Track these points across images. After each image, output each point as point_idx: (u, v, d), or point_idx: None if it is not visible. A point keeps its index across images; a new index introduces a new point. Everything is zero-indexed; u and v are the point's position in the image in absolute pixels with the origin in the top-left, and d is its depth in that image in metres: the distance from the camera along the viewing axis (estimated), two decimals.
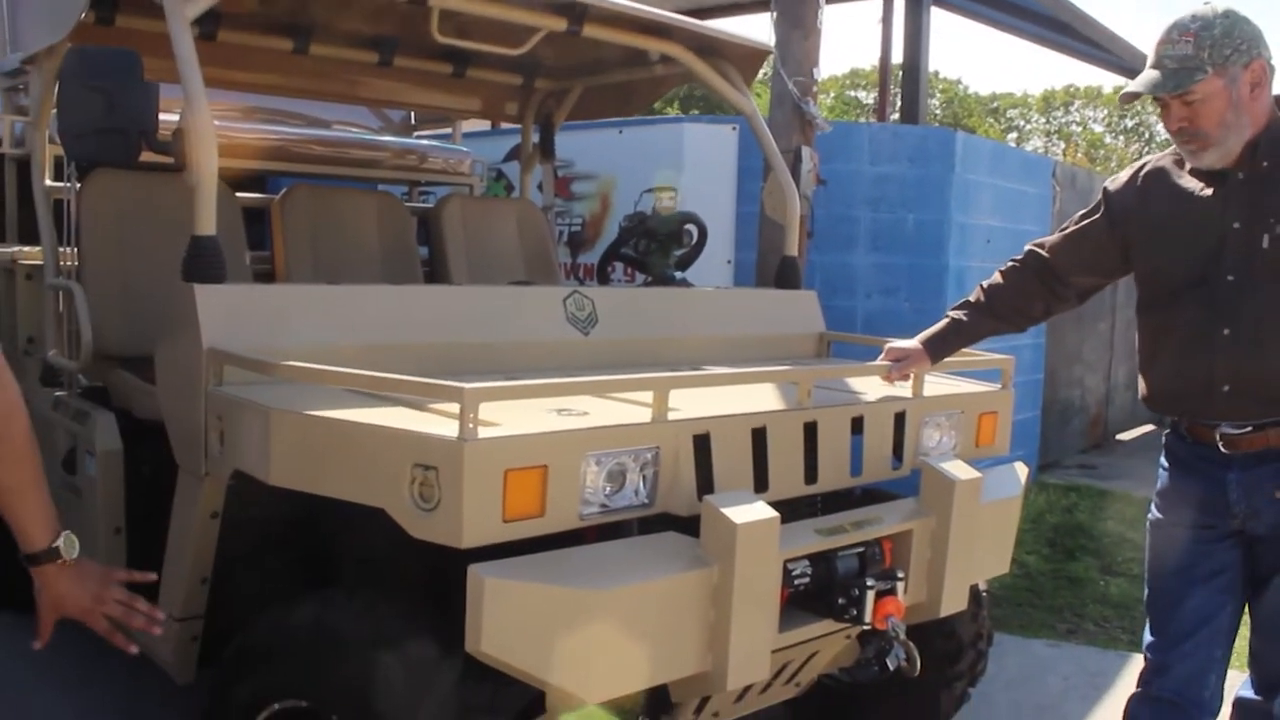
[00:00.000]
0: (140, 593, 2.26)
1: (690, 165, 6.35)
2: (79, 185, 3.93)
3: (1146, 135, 47.89)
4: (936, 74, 40.85)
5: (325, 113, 5.84)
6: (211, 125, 2.80)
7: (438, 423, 2.19)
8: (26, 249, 4.58)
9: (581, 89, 4.99)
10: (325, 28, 4.25)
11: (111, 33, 3.79)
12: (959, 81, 43.82)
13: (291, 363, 2.43)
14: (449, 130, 6.32)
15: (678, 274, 4.41)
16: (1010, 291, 3.07)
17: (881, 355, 3.14)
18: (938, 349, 3.10)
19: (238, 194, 4.40)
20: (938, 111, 42.52)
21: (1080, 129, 48.75)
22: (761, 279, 5.54)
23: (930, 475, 2.98)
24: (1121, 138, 48.23)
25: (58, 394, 3.91)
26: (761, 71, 4.72)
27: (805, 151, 4.40)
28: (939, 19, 9.65)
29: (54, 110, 3.67)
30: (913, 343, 3.11)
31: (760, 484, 2.64)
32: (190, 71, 2.84)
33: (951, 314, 3.13)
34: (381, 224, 4.62)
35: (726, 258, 6.35)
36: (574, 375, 3.03)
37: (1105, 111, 48.02)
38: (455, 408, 2.11)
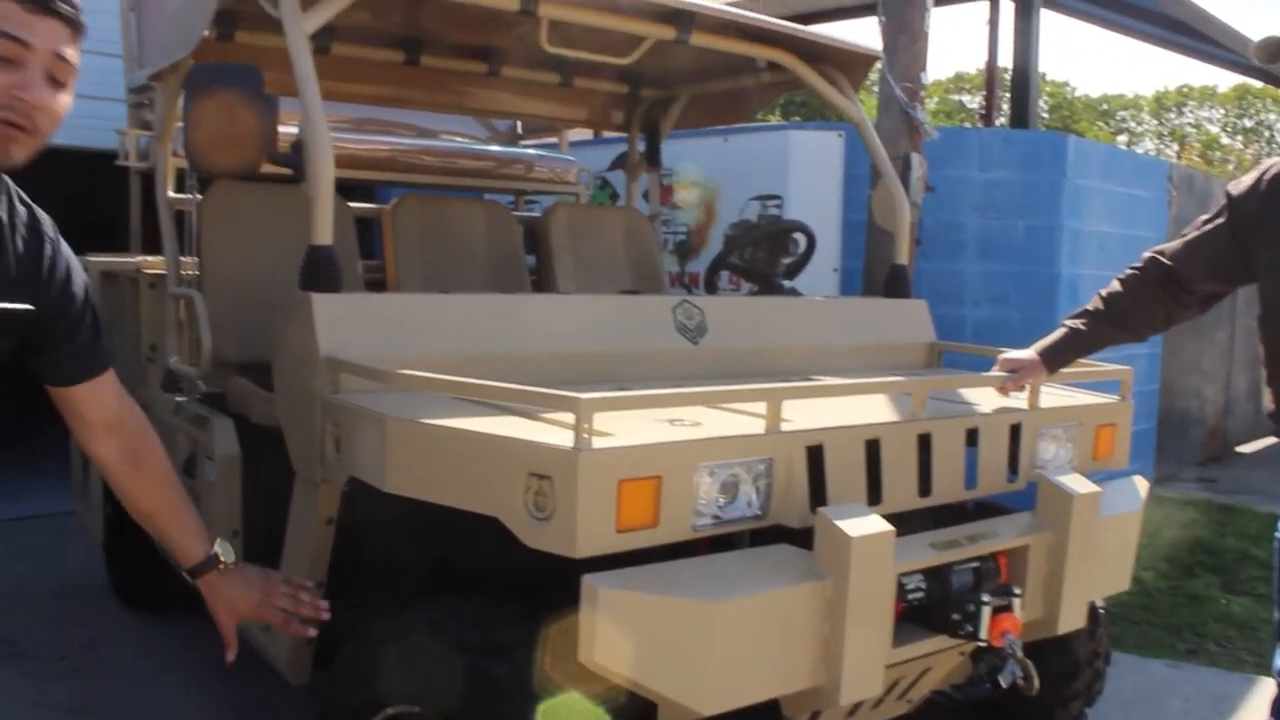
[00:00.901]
0: None
1: (796, 172, 6.30)
2: (200, 196, 4.04)
3: (1266, 135, 46.41)
4: (1043, 76, 40.09)
5: (433, 123, 5.92)
6: (329, 137, 2.85)
7: (552, 432, 2.20)
8: (150, 259, 4.72)
9: (687, 97, 4.98)
10: (435, 39, 4.31)
11: (231, 48, 3.89)
12: (1066, 84, 42.84)
13: (406, 371, 2.46)
14: (555, 140, 6.35)
15: (786, 283, 4.38)
16: (1130, 299, 2.98)
17: (995, 366, 3.07)
18: (1054, 359, 3.02)
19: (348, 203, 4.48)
20: (1045, 115, 41.70)
21: (1195, 130, 47.38)
22: (869, 287, 5.48)
23: (1048, 489, 2.91)
24: (1239, 138, 46.76)
25: (178, 400, 4.01)
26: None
27: (914, 158, 4.32)
28: (1048, 20, 9.43)
29: (179, 124, 3.80)
30: (1028, 353, 3.03)
31: (873, 496, 2.60)
32: (308, 85, 2.90)
33: (1068, 323, 3.05)
34: (490, 233, 4.66)
35: (833, 266, 6.30)
36: (683, 385, 3.03)
37: (1221, 111, 46.61)
38: (570, 417, 2.12)
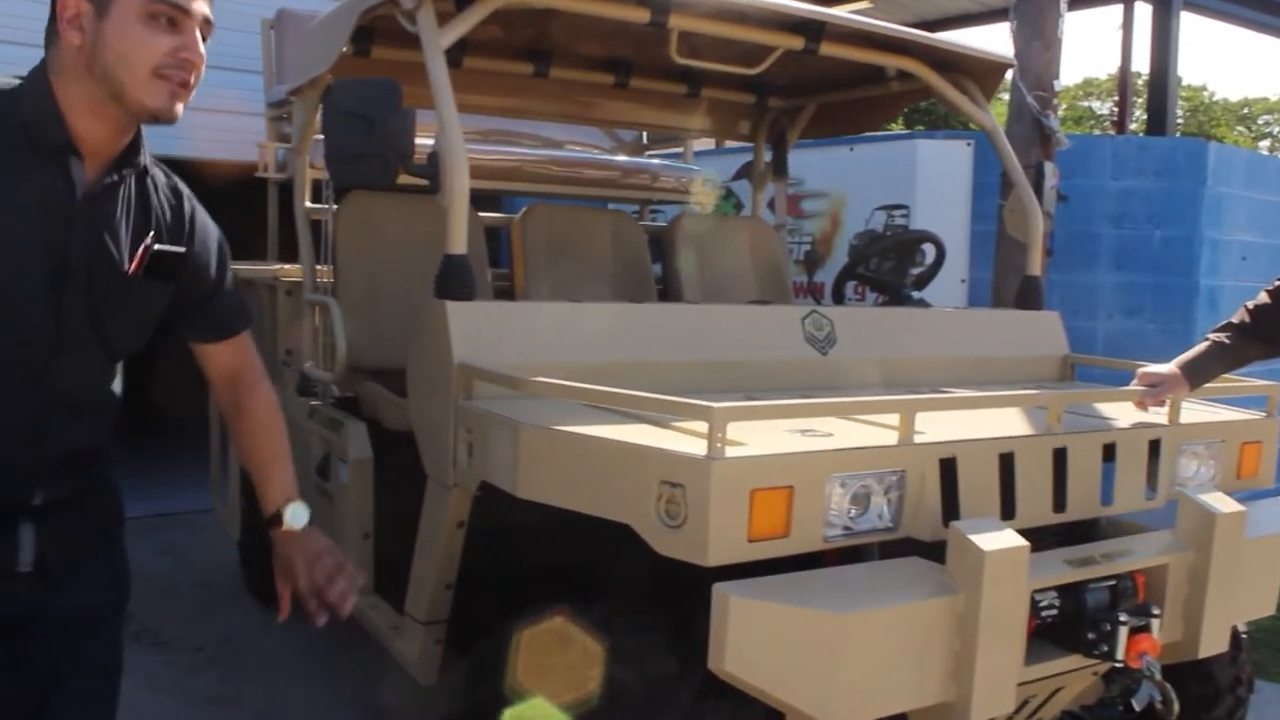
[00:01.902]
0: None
1: (924, 182, 6.22)
2: (335, 206, 4.16)
3: None
4: (1179, 80, 38.74)
5: (558, 133, 5.99)
6: (464, 149, 2.92)
7: (685, 441, 2.21)
8: (287, 267, 4.87)
9: (815, 107, 4.96)
10: (564, 52, 4.37)
11: (367, 64, 4.00)
12: (1204, 88, 41.45)
13: (540, 379, 2.49)
14: (680, 149, 6.38)
15: (915, 294, 4.33)
16: (1278, 312, 2.89)
17: (1135, 380, 2.99)
18: (1197, 374, 2.94)
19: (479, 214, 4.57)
20: (1181, 120, 40.38)
21: None
22: (998, 298, 5.39)
23: (1189, 507, 2.82)
24: None
25: (313, 404, 4.13)
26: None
27: (1048, 167, 4.24)
28: (1186, 22, 9.20)
29: (317, 137, 3.92)
30: (1169, 367, 2.95)
31: (1007, 511, 2.56)
32: (444, 99, 2.97)
33: (1212, 337, 2.97)
34: (616, 242, 4.71)
35: (961, 277, 6.19)
36: (813, 395, 3.02)
37: None
38: (701, 426, 2.13)
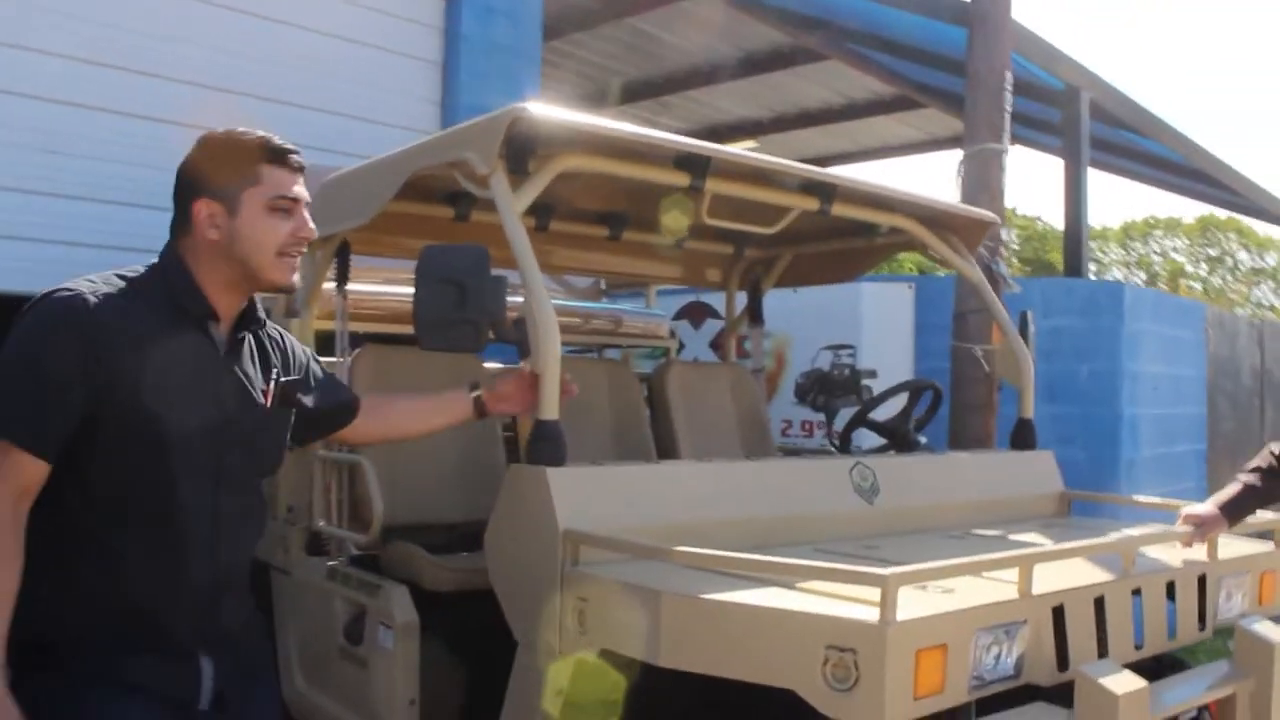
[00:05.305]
0: None
1: (869, 323, 6.52)
2: (350, 360, 4.16)
3: (1230, 263, 47.63)
4: (1014, 210, 41.11)
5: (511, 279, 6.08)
6: (553, 313, 3.00)
7: (843, 605, 2.30)
8: None
9: (791, 256, 5.18)
10: (566, 207, 4.49)
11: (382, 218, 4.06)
12: (1038, 218, 43.93)
13: (685, 548, 2.56)
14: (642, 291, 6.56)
15: (922, 438, 4.53)
16: None
17: (1180, 520, 3.21)
18: (1234, 513, 3.18)
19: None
20: (1016, 247, 42.59)
21: (1161, 259, 48.58)
22: (954, 437, 5.64)
23: (1245, 638, 3.02)
24: (1204, 266, 47.96)
25: (330, 564, 4.06)
26: None
27: (1029, 314, 4.52)
28: (1022, 157, 9.91)
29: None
30: (1209, 508, 3.18)
31: (1101, 650, 2.71)
32: (528, 261, 3.05)
33: (1244, 479, 3.21)
34: (613, 392, 4.79)
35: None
36: (871, 543, 3.17)
37: (1187, 242, 47.87)
38: (865, 591, 2.24)
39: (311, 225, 2.36)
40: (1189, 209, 45.78)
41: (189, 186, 2.28)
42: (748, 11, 9.77)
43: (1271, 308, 44.11)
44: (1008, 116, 5.77)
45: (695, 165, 3.52)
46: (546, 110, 3.10)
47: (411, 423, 3.12)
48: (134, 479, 2.16)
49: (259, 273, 2.29)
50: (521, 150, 3.22)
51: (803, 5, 9.69)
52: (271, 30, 6.93)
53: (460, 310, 2.91)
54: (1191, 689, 2.86)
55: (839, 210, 3.95)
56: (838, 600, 2.36)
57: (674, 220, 4.44)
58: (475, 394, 3.11)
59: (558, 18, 9.54)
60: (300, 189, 2.34)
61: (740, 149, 3.81)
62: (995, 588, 2.57)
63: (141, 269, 2.29)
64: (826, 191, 3.87)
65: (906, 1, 7.93)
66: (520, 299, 3.16)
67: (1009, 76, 5.80)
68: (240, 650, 2.37)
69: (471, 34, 7.78)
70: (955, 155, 6.00)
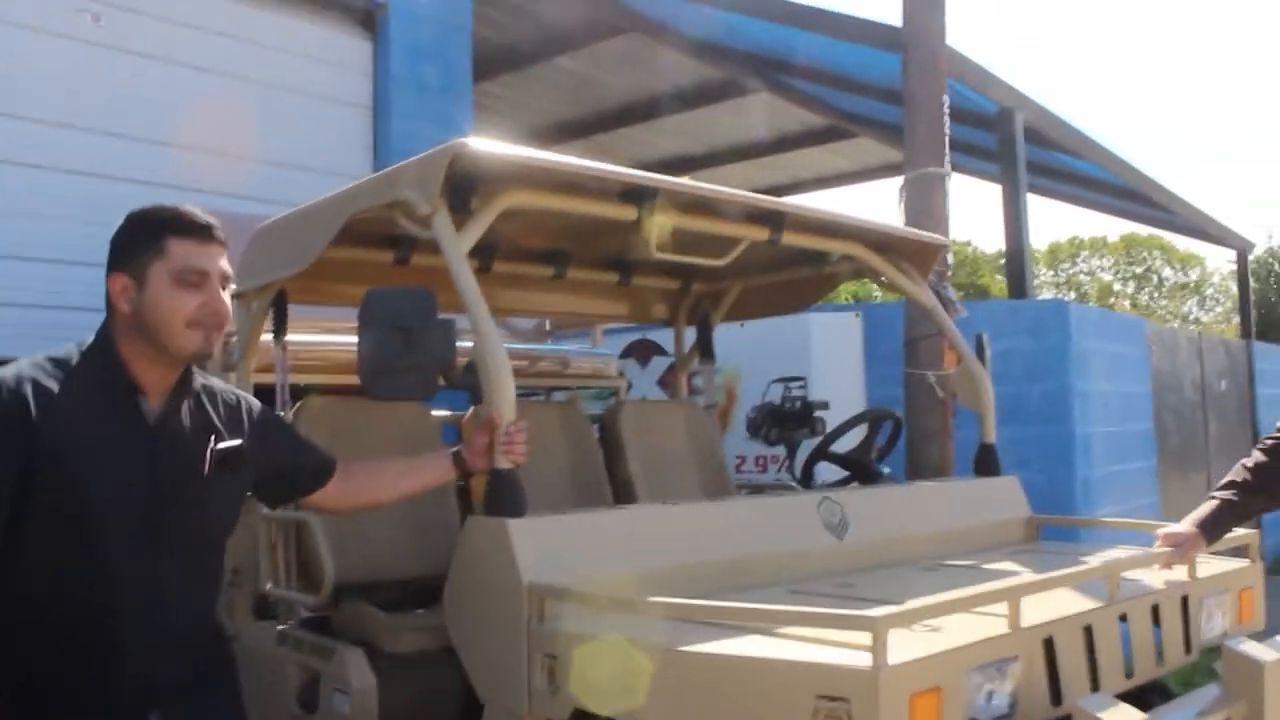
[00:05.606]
0: None
1: (818, 354, 6.45)
2: (291, 413, 3.98)
3: (1155, 280, 48.57)
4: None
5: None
6: (506, 357, 2.87)
7: (834, 651, 2.18)
8: None
9: (740, 288, 5.09)
10: (509, 247, 4.36)
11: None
12: (969, 242, 44.61)
13: (665, 599, 2.43)
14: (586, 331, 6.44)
15: (885, 469, 4.44)
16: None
17: (1158, 540, 3.14)
18: (1213, 531, 3.11)
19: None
20: (949, 273, 42.99)
21: (1089, 278, 49.44)
22: (912, 465, 5.56)
23: (1233, 659, 2.92)
24: (1131, 283, 48.87)
25: (280, 628, 3.87)
26: None
27: (984, 337, 4.45)
28: (956, 183, 10.04)
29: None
30: (1187, 527, 3.11)
31: (1093, 680, 2.62)
32: (476, 303, 2.93)
33: (1220, 495, 3.15)
34: (567, 435, 4.65)
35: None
36: (846, 579, 3.05)
37: (1112, 260, 48.79)
38: (830, 633, 2.13)
39: (224, 299, 2.38)
40: (1114, 228, 46.60)
41: (108, 263, 2.36)
42: (675, 48, 9.76)
43: (1198, 321, 45.02)
44: (947, 139, 5.74)
45: (643, 197, 3.41)
46: (488, 145, 2.98)
47: (390, 486, 2.97)
48: (66, 545, 2.22)
49: (169, 342, 2.32)
50: (464, 187, 3.11)
51: (730, 39, 9.69)
52: (194, 78, 6.77)
53: (407, 356, 2.79)
54: (1183, 717, 2.75)
55: (789, 239, 3.87)
56: (825, 646, 2.24)
57: (621, 255, 4.34)
58: (455, 449, 2.99)
59: (487, 60, 9.45)
60: (213, 262, 2.36)
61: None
62: (982, 622, 2.46)
63: (75, 348, 2.36)
64: (776, 220, 3.79)
65: (836, 29, 7.92)
66: (469, 344, 3.02)
67: (946, 99, 5.77)
68: (196, 704, 2.41)
69: (401, 76, 7.66)
70: (888, 184, 6.00)
